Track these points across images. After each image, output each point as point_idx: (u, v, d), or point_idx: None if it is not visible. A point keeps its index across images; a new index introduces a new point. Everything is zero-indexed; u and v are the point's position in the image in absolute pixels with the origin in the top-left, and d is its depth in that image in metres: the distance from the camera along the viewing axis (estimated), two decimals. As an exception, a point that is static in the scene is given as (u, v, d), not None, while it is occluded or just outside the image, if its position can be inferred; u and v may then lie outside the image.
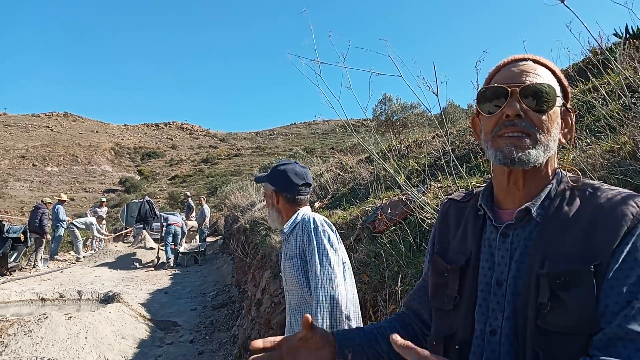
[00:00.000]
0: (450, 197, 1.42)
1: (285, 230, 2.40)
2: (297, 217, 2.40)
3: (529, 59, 1.18)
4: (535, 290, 1.03)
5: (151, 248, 15.77)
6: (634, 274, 0.95)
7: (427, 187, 4.26)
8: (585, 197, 1.09)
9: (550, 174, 1.16)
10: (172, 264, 13.53)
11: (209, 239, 17.12)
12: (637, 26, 6.63)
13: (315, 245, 2.21)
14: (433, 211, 3.54)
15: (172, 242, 13.89)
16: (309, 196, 2.51)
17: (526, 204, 1.12)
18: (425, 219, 3.57)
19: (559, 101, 1.14)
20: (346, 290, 2.19)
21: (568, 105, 1.19)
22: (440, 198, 3.84)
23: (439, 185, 4.27)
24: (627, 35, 6.78)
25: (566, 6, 2.15)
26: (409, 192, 3.60)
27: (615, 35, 7.07)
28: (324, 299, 2.09)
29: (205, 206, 16.21)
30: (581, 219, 1.05)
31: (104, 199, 19.57)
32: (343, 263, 2.27)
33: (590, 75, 4.28)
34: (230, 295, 9.65)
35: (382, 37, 2.94)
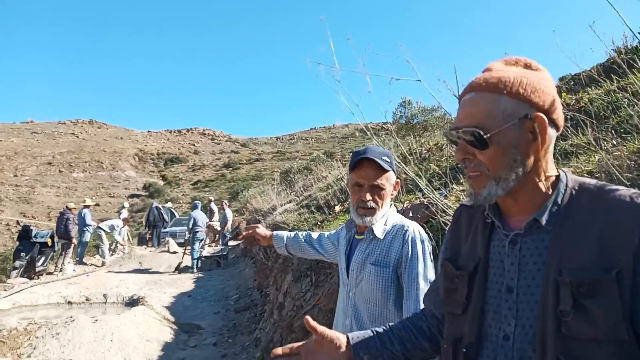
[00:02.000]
0: (461, 203, 1.44)
1: (375, 230, 2.11)
2: (387, 219, 2.14)
3: (475, 89, 1.16)
4: (554, 298, 1.04)
5: (175, 252, 15.96)
6: None
7: (449, 191, 4.24)
8: (593, 198, 1.09)
9: (543, 181, 1.15)
10: (195, 270, 13.64)
11: (231, 243, 17.25)
12: (664, 25, 6.54)
13: (418, 259, 1.99)
14: (455, 214, 3.51)
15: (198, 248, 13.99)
16: None
17: (534, 215, 1.13)
18: (447, 222, 3.55)
19: (504, 123, 1.10)
20: None
21: (533, 115, 1.11)
22: (462, 201, 3.82)
23: (461, 188, 4.24)
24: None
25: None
26: (431, 196, 3.59)
27: (642, 34, 6.97)
28: None
29: (228, 210, 16.36)
30: (594, 223, 1.05)
31: (126, 204, 19.92)
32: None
33: (617, 75, 4.21)
34: (252, 298, 9.70)
35: (398, 42, 2.95)
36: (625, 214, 1.01)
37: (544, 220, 1.11)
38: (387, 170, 2.08)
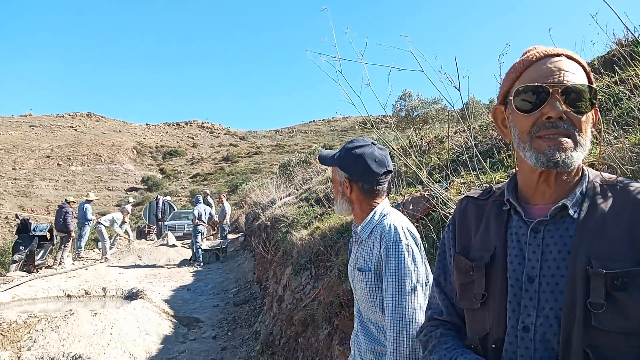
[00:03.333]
0: (466, 195, 1.40)
1: (359, 232, 1.99)
2: (374, 216, 1.97)
3: (563, 55, 1.14)
4: (584, 289, 1.01)
5: (174, 245, 15.94)
6: None
7: (449, 183, 4.22)
8: (617, 192, 1.09)
9: (579, 171, 1.15)
10: (195, 263, 13.64)
11: (230, 236, 17.23)
12: (664, 17, 6.52)
13: (394, 265, 1.79)
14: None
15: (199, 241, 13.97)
16: (386, 186, 2.06)
17: (563, 201, 1.10)
18: (448, 215, 3.53)
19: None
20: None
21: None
22: (463, 194, 3.79)
23: (461, 181, 4.22)
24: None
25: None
26: (432, 188, 3.56)
27: (643, 26, 6.94)
28: (403, 335, 1.70)
29: (226, 204, 16.29)
30: (621, 216, 1.04)
31: (131, 199, 19.90)
32: (426, 283, 1.81)
33: (618, 66, 4.18)
34: (252, 291, 9.70)
35: (402, 33, 2.91)
36: None
37: (572, 207, 1.10)
38: (328, 166, 2.09)
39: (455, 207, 3.26)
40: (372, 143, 2.02)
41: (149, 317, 7.55)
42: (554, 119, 1.07)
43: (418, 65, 2.98)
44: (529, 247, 1.13)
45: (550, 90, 1.08)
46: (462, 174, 4.42)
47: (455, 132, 6.86)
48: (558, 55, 1.13)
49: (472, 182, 4.11)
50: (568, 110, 1.07)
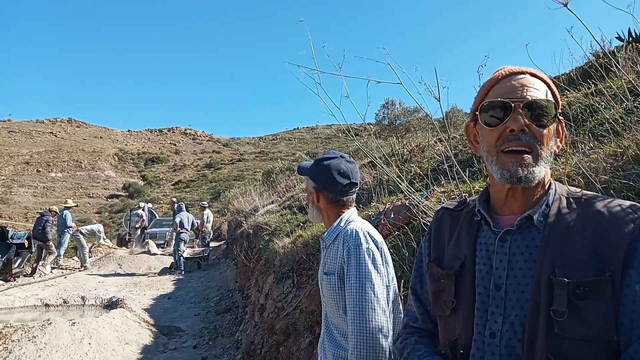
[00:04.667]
0: (443, 206, 1.45)
1: (325, 237, 2.09)
2: (339, 223, 2.06)
3: (527, 72, 1.20)
4: (547, 297, 1.06)
5: (155, 254, 15.78)
6: None
7: (430, 192, 4.25)
8: (582, 205, 1.14)
9: (545, 183, 1.20)
10: (177, 271, 13.50)
11: (212, 244, 17.11)
12: (640, 30, 6.68)
13: (355, 267, 1.85)
14: (436, 216, 3.52)
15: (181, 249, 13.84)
16: (354, 196, 2.17)
17: (528, 212, 1.16)
18: (428, 223, 3.56)
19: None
20: (388, 320, 1.83)
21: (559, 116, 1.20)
22: (443, 202, 3.83)
23: (442, 190, 4.26)
24: (630, 39, 6.82)
25: (569, 10, 2.15)
26: (412, 197, 3.59)
27: (618, 38, 7.11)
28: (363, 333, 1.75)
29: (208, 211, 16.20)
30: (585, 228, 1.09)
31: (141, 204, 19.69)
32: (387, 286, 1.89)
33: (594, 78, 4.27)
34: (234, 300, 9.64)
35: (380, 46, 2.95)
36: (617, 223, 1.06)
37: (536, 218, 1.15)
38: (304, 175, 2.20)
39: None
40: (341, 156, 2.13)
41: (129, 326, 7.45)
42: (517, 132, 1.12)
43: (397, 78, 3.03)
44: (497, 255, 1.18)
45: (513, 105, 1.13)
46: (442, 183, 4.46)
47: (436, 142, 6.93)
48: (522, 73, 1.20)
49: (452, 190, 4.15)
50: (530, 123, 1.13)
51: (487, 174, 4.42)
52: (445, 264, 1.29)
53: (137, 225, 18.80)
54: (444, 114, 3.72)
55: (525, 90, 1.15)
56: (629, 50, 5.13)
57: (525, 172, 1.11)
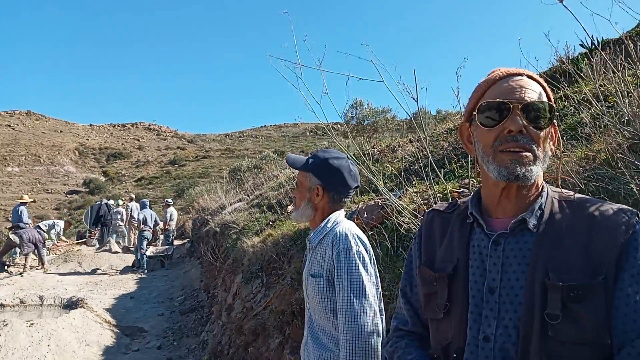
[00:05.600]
0: (433, 208, 1.45)
1: (311, 239, 2.05)
2: (327, 223, 2.02)
3: (524, 74, 1.20)
4: (541, 300, 1.06)
5: (116, 252, 15.39)
6: None
7: (403, 192, 4.24)
8: (574, 208, 1.15)
9: (539, 185, 1.20)
10: (140, 270, 13.19)
11: (176, 242, 16.80)
12: (602, 37, 6.92)
13: (346, 270, 1.85)
14: (411, 215, 3.51)
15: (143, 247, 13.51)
16: None
17: (522, 215, 1.16)
18: (402, 223, 3.55)
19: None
20: (380, 322, 1.84)
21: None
22: (416, 203, 3.83)
23: (414, 190, 4.26)
24: (592, 46, 7.06)
25: (565, 6, 2.16)
26: (387, 197, 3.57)
27: (582, 45, 7.35)
28: (356, 337, 1.76)
29: (172, 209, 15.88)
30: (577, 231, 1.10)
31: (120, 201, 19.03)
32: (377, 288, 1.92)
33: (564, 82, 4.35)
34: (199, 300, 9.48)
35: (363, 42, 2.91)
36: (609, 227, 1.07)
37: (530, 221, 1.14)
38: (298, 169, 2.12)
39: (411, 215, 3.27)
40: (347, 157, 2.11)
41: (90, 327, 7.22)
42: (515, 133, 1.12)
43: (378, 75, 2.99)
44: (490, 259, 1.17)
45: (511, 106, 1.13)
46: (414, 183, 4.46)
47: (407, 142, 6.96)
48: (519, 74, 1.20)
49: (425, 191, 4.16)
50: (528, 125, 1.12)
51: (459, 175, 4.45)
52: (437, 266, 1.28)
53: (119, 223, 18.23)
54: (413, 115, 3.73)
55: (523, 92, 1.15)
56: (595, 56, 5.27)
57: (524, 170, 1.11)
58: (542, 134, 1.14)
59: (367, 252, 1.95)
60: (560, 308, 1.03)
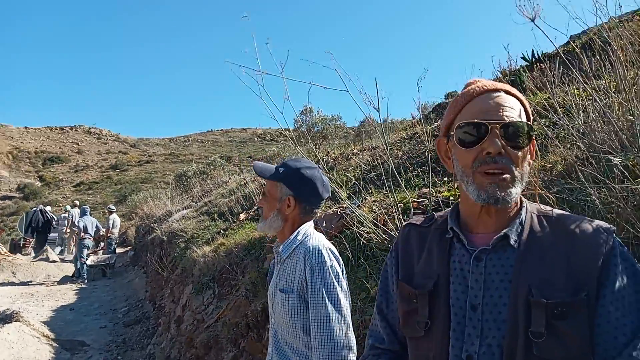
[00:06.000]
0: (409, 222, 1.42)
1: (281, 252, 1.97)
2: (296, 236, 1.95)
3: (502, 90, 1.17)
4: (525, 318, 1.04)
5: (54, 261, 14.65)
6: (626, 302, 1.02)
7: (362, 201, 4.22)
8: (553, 223, 1.14)
9: (518, 201, 1.18)
10: (80, 279, 12.60)
11: (118, 250, 16.18)
12: (542, 51, 7.25)
13: (321, 286, 1.79)
14: (371, 225, 3.48)
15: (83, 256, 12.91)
16: None
17: (504, 231, 1.13)
18: (362, 232, 3.51)
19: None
20: (353, 336, 1.81)
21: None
22: (376, 211, 3.81)
23: (373, 198, 4.24)
24: (534, 59, 7.39)
25: (536, 25, 2.18)
26: (348, 205, 3.53)
27: (523, 58, 7.67)
28: (332, 354, 1.72)
29: (114, 215, 15.27)
30: (558, 247, 1.09)
31: (68, 207, 17.95)
32: (349, 302, 1.90)
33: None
34: (144, 311, 9.14)
35: (327, 50, 2.86)
36: (589, 243, 1.06)
37: (512, 237, 1.12)
38: (269, 178, 2.01)
39: (369, 225, 3.23)
40: (318, 167, 2.06)
41: (26, 342, 6.78)
42: (494, 154, 1.09)
43: (343, 85, 2.96)
44: (472, 275, 1.14)
45: (490, 126, 1.10)
46: (371, 191, 4.45)
47: (361, 150, 6.98)
48: (497, 90, 1.17)
49: (383, 200, 4.15)
50: (507, 145, 1.10)
51: (415, 184, 4.47)
52: (416, 282, 1.24)
53: (65, 230, 17.33)
54: (360, 123, 3.74)
55: (502, 110, 1.13)
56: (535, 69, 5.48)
57: (503, 194, 1.09)
58: (520, 153, 1.12)
59: (339, 265, 1.90)
60: (545, 326, 1.01)
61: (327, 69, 3.01)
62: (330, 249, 1.92)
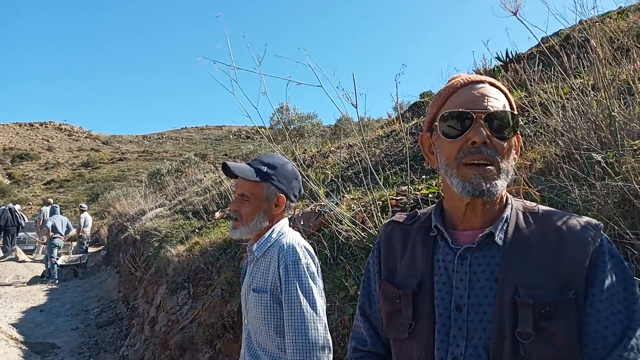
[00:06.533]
0: (392, 219, 1.37)
1: (256, 250, 1.89)
2: (271, 234, 1.88)
3: (486, 82, 1.15)
4: (511, 318, 1.01)
5: (23, 261, 14.26)
6: (615, 301, 0.99)
7: (340, 198, 4.17)
8: (539, 220, 1.11)
9: (503, 197, 1.15)
10: (50, 280, 12.29)
11: (90, 250, 15.84)
12: (515, 51, 7.37)
13: (295, 285, 1.73)
14: (350, 223, 3.44)
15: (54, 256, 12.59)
16: None
17: (489, 228, 1.10)
18: (341, 231, 3.47)
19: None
20: (328, 335, 1.76)
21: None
22: (354, 209, 3.77)
23: (351, 196, 4.20)
24: (507, 59, 7.49)
25: (518, 19, 2.16)
26: (326, 203, 3.48)
27: (497, 58, 7.77)
28: (307, 354, 1.68)
29: (86, 214, 14.92)
30: (545, 245, 1.06)
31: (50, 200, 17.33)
32: (324, 301, 1.84)
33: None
34: (117, 312, 8.95)
35: (300, 46, 2.81)
36: (577, 240, 1.03)
37: (498, 235, 1.08)
38: (257, 181, 1.86)
39: (347, 223, 3.18)
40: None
41: (-7, 345, 6.56)
42: (479, 144, 1.06)
43: (317, 80, 2.91)
44: (457, 274, 1.11)
45: (474, 116, 1.07)
46: (349, 189, 4.41)
47: (339, 148, 6.93)
48: (481, 82, 1.14)
49: (362, 197, 4.12)
50: (492, 135, 1.07)
51: (393, 182, 4.45)
52: (399, 282, 1.20)
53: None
54: (336, 122, 3.70)
55: (486, 100, 1.09)
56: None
57: (489, 186, 1.05)
58: (506, 144, 1.08)
59: (315, 264, 1.84)
60: (532, 326, 0.98)
61: (301, 66, 2.97)
62: (305, 247, 1.86)
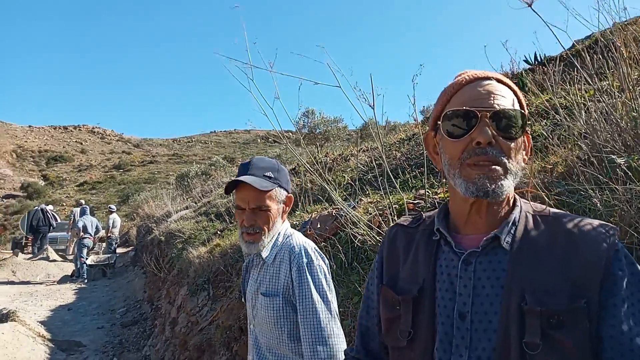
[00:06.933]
0: (397, 222, 1.32)
1: (264, 256, 1.84)
2: (278, 237, 1.86)
3: (493, 78, 1.08)
4: (518, 328, 0.94)
5: (54, 260, 14.60)
6: (636, 311, 0.92)
7: (357, 202, 4.13)
8: (549, 223, 1.04)
9: (511, 199, 1.09)
10: (79, 279, 12.55)
11: (119, 251, 16.12)
12: (545, 54, 7.20)
13: (311, 287, 1.71)
14: (366, 227, 3.40)
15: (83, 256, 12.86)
16: None
17: (494, 232, 1.04)
18: (357, 235, 3.43)
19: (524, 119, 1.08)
20: (343, 335, 1.74)
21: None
22: (371, 213, 3.72)
23: (369, 200, 4.16)
24: (536, 62, 7.33)
25: (533, 10, 2.11)
26: (341, 207, 3.44)
27: (526, 62, 7.61)
28: (326, 358, 1.65)
29: (115, 215, 15.21)
30: (555, 249, 0.99)
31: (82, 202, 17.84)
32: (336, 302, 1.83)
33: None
34: (142, 312, 9.06)
35: (319, 44, 2.78)
36: (589, 244, 0.96)
37: (504, 238, 1.03)
38: (270, 190, 1.82)
39: (363, 227, 3.13)
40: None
41: (21, 342, 6.71)
42: (484, 145, 1.01)
43: (335, 80, 2.87)
44: (460, 280, 1.05)
45: (479, 114, 1.02)
46: (367, 192, 4.37)
47: (359, 151, 6.89)
48: (488, 78, 1.09)
49: (379, 201, 4.06)
50: (498, 135, 1.02)
51: (413, 185, 4.38)
52: (400, 287, 1.16)
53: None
54: (377, 123, 3.64)
55: (492, 98, 1.03)
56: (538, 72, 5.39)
57: (494, 186, 0.99)
58: (513, 144, 1.02)
59: (326, 265, 1.82)
60: (540, 336, 0.92)
61: (320, 68, 2.93)
62: (315, 248, 1.84)
